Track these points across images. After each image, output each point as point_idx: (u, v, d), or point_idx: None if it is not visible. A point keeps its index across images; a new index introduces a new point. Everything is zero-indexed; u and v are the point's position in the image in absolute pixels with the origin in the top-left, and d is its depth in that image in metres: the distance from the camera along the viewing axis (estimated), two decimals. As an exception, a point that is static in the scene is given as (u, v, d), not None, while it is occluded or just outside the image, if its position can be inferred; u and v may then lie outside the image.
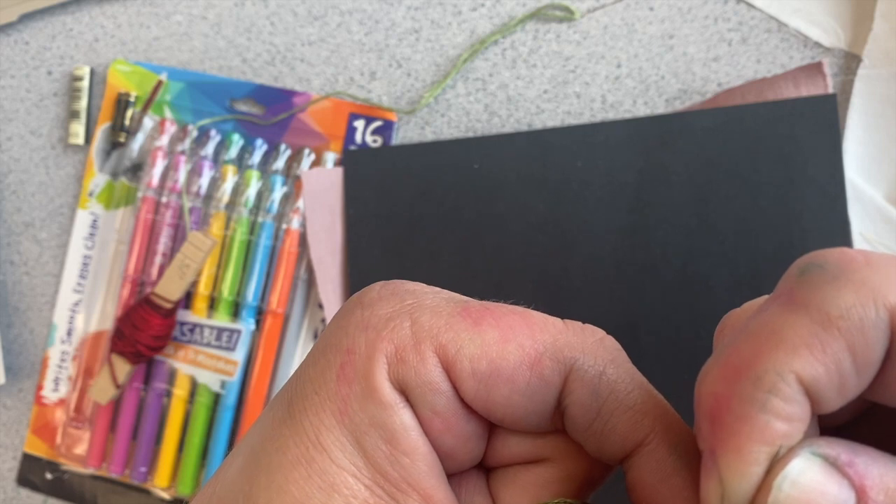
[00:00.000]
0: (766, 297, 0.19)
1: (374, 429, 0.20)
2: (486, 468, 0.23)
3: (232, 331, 0.49)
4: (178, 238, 0.50)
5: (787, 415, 0.16)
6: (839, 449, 0.17)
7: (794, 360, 0.16)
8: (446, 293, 0.22)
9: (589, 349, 0.21)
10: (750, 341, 0.17)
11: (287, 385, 0.22)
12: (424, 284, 0.22)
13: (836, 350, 0.16)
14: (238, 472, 0.21)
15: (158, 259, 0.50)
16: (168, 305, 0.49)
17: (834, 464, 0.17)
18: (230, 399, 0.49)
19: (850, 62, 0.46)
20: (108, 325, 0.51)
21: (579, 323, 0.21)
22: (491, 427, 0.22)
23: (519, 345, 0.20)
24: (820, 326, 0.16)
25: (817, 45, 0.47)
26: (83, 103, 0.53)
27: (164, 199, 0.50)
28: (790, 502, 0.16)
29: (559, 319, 0.21)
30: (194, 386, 0.49)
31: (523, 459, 0.22)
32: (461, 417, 0.21)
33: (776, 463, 0.16)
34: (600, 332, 0.21)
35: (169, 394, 0.50)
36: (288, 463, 0.20)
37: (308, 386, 0.21)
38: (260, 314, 0.49)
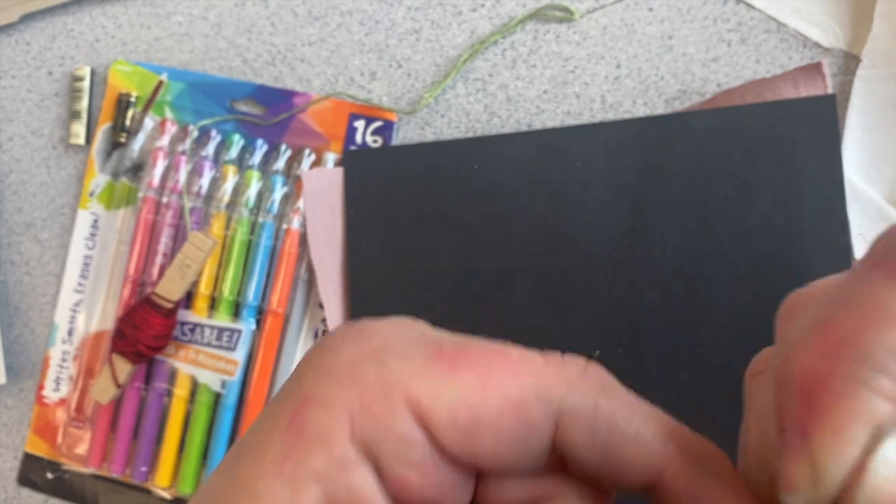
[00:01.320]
0: (839, 276, 0.17)
1: (317, 483, 0.18)
2: None
3: (232, 330, 0.49)
4: (178, 238, 0.50)
5: (893, 395, 0.15)
6: None
7: None
8: (418, 329, 0.20)
9: (575, 384, 0.19)
10: (853, 314, 0.16)
11: (247, 429, 0.21)
12: (395, 319, 0.21)
13: None
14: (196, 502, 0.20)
15: (159, 259, 0.50)
16: (169, 305, 0.49)
17: None
18: (231, 399, 0.49)
19: (850, 62, 0.46)
20: (109, 324, 0.51)
21: (558, 355, 0.20)
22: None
23: (500, 389, 0.19)
24: None
25: (817, 45, 0.47)
26: (84, 104, 0.53)
27: (164, 200, 0.50)
28: (887, 485, 0.15)
29: (538, 354, 0.20)
30: (195, 385, 0.49)
31: (524, 501, 0.21)
32: (440, 467, 0.19)
33: (873, 444, 0.15)
34: (581, 362, 0.20)
35: (170, 393, 0.50)
36: None
37: (254, 437, 0.20)
38: (260, 314, 0.49)
